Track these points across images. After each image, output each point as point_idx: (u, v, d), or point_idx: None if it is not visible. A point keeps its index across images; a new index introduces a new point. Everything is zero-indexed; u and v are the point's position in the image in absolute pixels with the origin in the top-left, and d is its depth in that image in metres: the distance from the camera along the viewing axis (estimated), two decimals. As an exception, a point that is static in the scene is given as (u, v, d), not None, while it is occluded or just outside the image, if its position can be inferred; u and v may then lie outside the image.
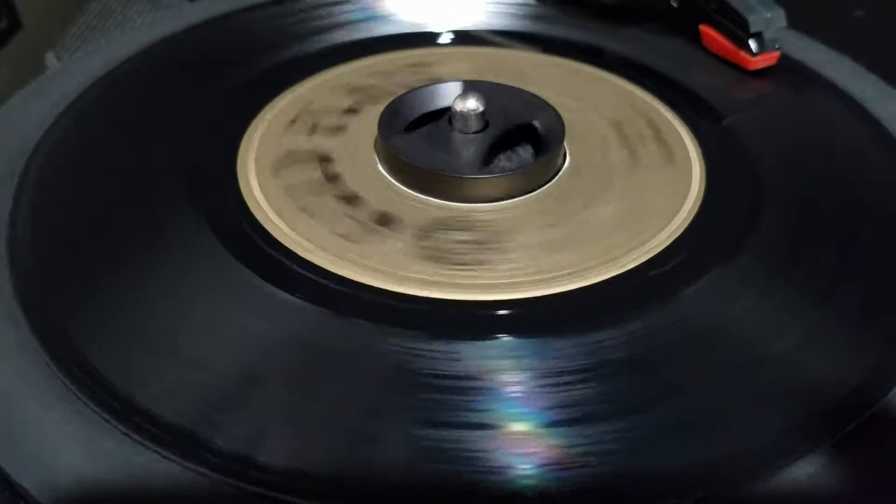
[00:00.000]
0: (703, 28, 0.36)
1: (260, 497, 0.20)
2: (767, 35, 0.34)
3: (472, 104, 0.29)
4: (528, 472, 0.20)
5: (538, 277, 0.25)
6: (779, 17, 0.34)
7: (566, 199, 0.28)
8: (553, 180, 0.29)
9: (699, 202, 0.28)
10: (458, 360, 0.22)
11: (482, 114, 0.30)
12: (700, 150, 0.31)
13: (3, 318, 0.24)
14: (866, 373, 0.23)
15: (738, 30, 0.34)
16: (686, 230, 0.27)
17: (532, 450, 0.21)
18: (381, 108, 0.30)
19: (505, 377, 0.22)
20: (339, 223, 0.27)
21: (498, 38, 0.37)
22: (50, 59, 0.39)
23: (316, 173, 0.29)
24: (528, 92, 0.31)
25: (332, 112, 0.32)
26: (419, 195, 0.28)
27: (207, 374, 0.22)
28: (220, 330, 0.23)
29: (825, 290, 0.25)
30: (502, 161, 0.30)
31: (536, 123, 0.30)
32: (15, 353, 0.23)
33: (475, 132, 0.30)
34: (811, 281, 0.26)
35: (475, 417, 0.21)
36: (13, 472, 0.20)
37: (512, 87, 0.32)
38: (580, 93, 0.34)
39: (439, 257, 0.26)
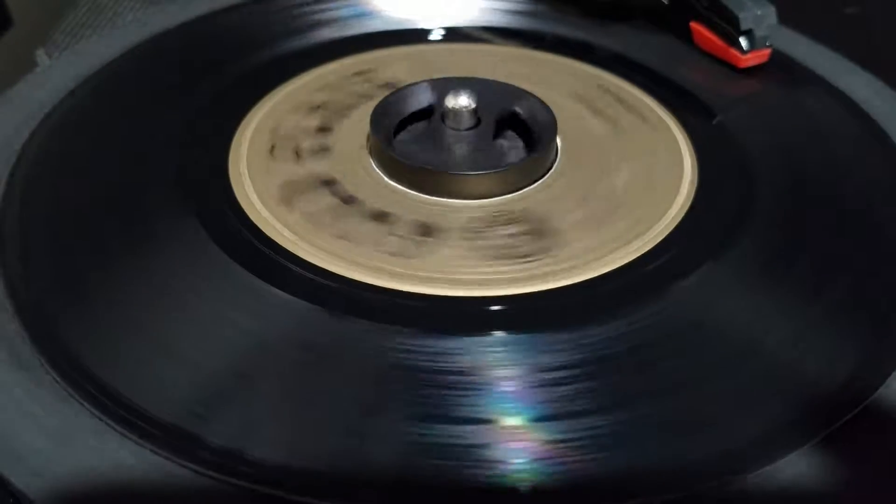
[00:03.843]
0: (694, 25, 0.36)
1: (253, 493, 0.20)
2: (758, 32, 0.34)
3: (464, 100, 0.29)
4: (522, 467, 0.20)
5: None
6: (769, 14, 0.34)
7: (553, 199, 0.29)
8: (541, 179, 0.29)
9: (690, 199, 0.28)
10: (456, 356, 0.23)
11: (474, 110, 0.30)
12: (691, 148, 0.31)
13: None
14: (857, 368, 0.23)
15: (729, 27, 0.34)
16: (678, 226, 0.27)
17: (526, 444, 0.21)
18: (350, 120, 0.31)
19: (497, 372, 0.22)
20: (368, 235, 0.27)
21: (484, 34, 0.37)
22: (40, 56, 0.39)
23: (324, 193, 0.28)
24: (504, 83, 0.31)
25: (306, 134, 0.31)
26: (413, 192, 0.28)
27: (200, 370, 0.22)
28: (212, 327, 0.23)
29: (817, 286, 0.25)
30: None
31: (522, 112, 0.30)
32: (5, 350, 0.23)
33: (468, 128, 0.30)
34: (803, 276, 0.26)
35: (470, 412, 0.21)
36: (2, 469, 0.20)
37: (486, 80, 0.31)
38: (539, 77, 0.33)
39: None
